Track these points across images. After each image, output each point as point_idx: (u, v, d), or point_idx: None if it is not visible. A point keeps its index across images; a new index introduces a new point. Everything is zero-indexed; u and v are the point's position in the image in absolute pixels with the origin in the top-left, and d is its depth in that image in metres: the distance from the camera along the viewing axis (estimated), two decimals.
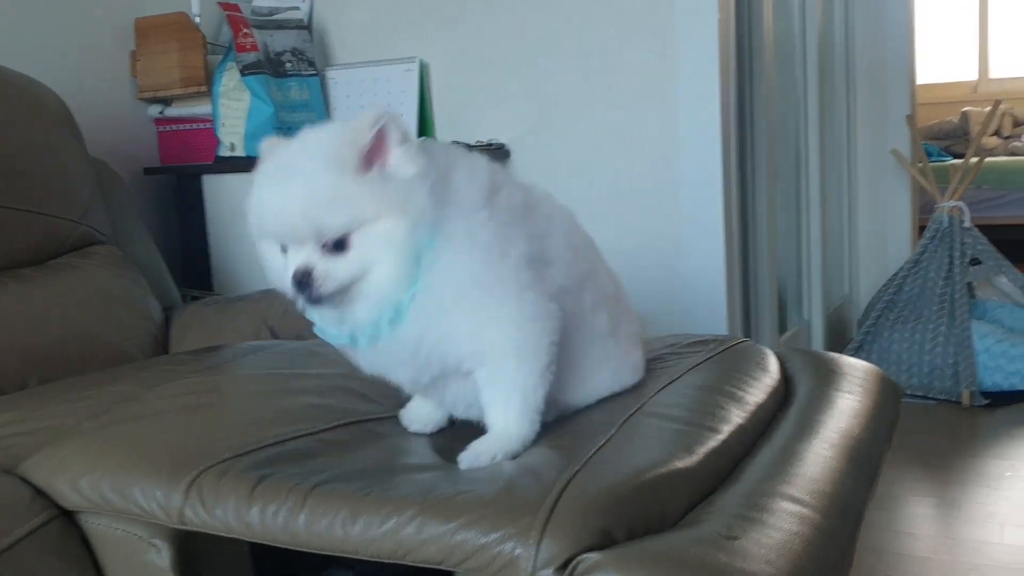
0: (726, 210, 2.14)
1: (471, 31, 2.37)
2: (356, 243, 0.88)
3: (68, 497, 0.88)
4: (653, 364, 1.16)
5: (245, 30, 2.25)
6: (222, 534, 0.83)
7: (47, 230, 1.70)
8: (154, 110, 2.38)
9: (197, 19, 2.35)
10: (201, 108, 2.32)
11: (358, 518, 0.78)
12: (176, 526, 0.84)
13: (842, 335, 3.22)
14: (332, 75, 2.44)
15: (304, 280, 0.88)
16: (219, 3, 2.27)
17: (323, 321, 0.96)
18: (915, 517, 2.00)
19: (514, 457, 0.90)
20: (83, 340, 1.59)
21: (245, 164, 2.24)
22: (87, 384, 1.24)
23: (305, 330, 1.68)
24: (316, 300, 0.89)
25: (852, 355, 2.79)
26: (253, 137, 2.23)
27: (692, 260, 2.18)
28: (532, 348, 0.92)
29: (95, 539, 0.89)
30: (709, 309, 2.20)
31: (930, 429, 2.53)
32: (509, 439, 0.92)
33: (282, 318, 1.70)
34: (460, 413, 1.01)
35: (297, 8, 2.44)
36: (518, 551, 0.71)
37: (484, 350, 0.92)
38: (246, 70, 2.22)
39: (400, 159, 0.90)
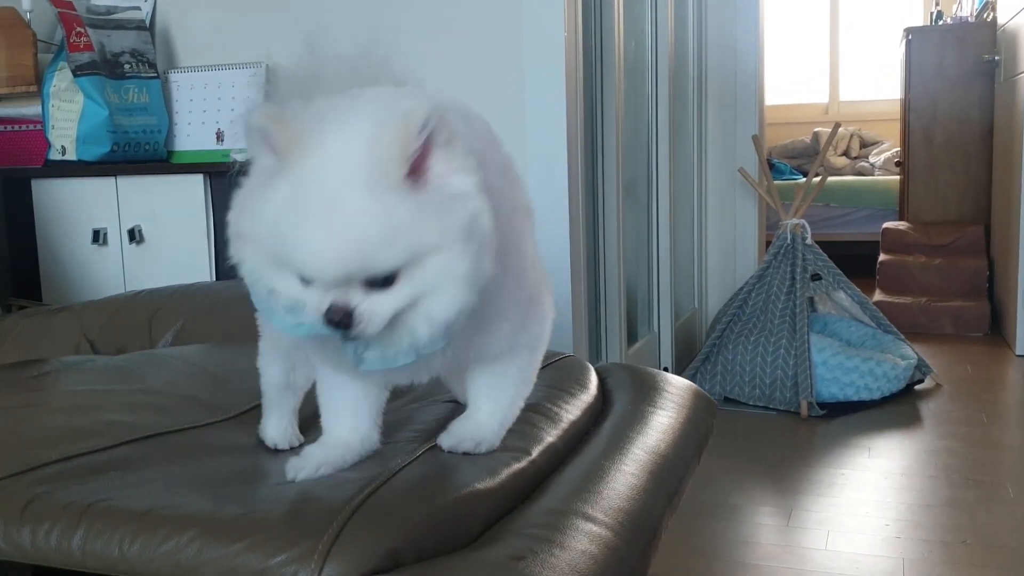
0: (572, 225, 2.16)
1: (319, 37, 2.33)
2: (407, 275, 0.73)
3: None
4: None
5: (79, 29, 2.15)
6: None
7: None
8: None
9: (28, 15, 2.23)
10: (30, 109, 2.21)
11: (137, 538, 0.74)
12: None
13: (691, 347, 3.31)
14: (174, 78, 2.36)
15: (344, 321, 0.73)
16: (50, 0, 2.16)
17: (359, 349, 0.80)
18: (753, 525, 2.06)
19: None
20: None
21: (77, 168, 2.15)
22: None
23: (126, 343, 1.62)
24: (356, 338, 0.75)
25: (698, 367, 2.90)
26: (85, 140, 2.14)
27: None
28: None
29: None
30: (556, 324, 2.22)
31: (769, 439, 2.62)
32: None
33: (102, 331, 1.62)
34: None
35: (138, 8, 2.35)
36: (300, 575, 0.69)
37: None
38: (79, 71, 2.12)
39: (451, 168, 0.74)
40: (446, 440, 0.93)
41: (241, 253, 0.77)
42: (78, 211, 2.16)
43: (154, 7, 2.40)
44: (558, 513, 0.82)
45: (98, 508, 0.77)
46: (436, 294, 0.74)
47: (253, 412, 1.09)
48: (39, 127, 2.20)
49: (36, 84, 2.17)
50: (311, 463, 0.87)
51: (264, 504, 0.77)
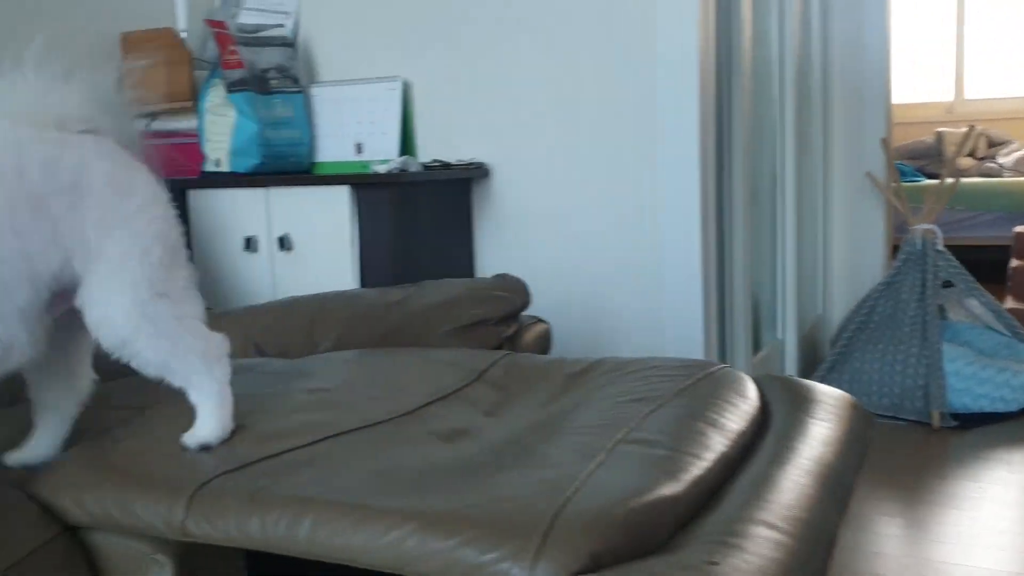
0: (703, 232, 2.18)
1: (454, 52, 2.41)
2: None
3: (73, 513, 0.90)
4: (637, 387, 1.19)
5: (231, 47, 2.27)
6: (223, 544, 0.85)
7: None
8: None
9: (184, 35, 2.37)
10: (186, 123, 2.34)
11: (360, 529, 0.80)
12: (179, 538, 0.86)
13: (814, 355, 3.27)
14: (316, 92, 2.47)
15: None
16: (206, 20, 2.29)
17: None
18: (884, 537, 2.04)
19: None
20: None
21: (230, 179, 2.27)
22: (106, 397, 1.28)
23: (289, 347, 1.71)
24: None
25: (824, 375, 2.87)
26: (238, 153, 2.26)
27: (670, 281, 2.22)
28: None
29: (99, 555, 0.91)
30: (685, 329, 2.24)
31: (900, 450, 2.58)
32: None
33: (267, 335, 1.72)
34: None
35: (282, 25, 2.47)
36: (514, 571, 0.74)
37: None
38: (232, 87, 2.24)
39: None
40: None
41: None
42: (231, 219, 2.28)
43: (296, 24, 2.52)
44: (740, 521, 0.86)
45: (321, 500, 0.84)
46: None
47: (429, 408, 1.15)
48: (195, 140, 2.34)
49: (192, 100, 2.31)
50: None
51: (472, 500, 0.83)
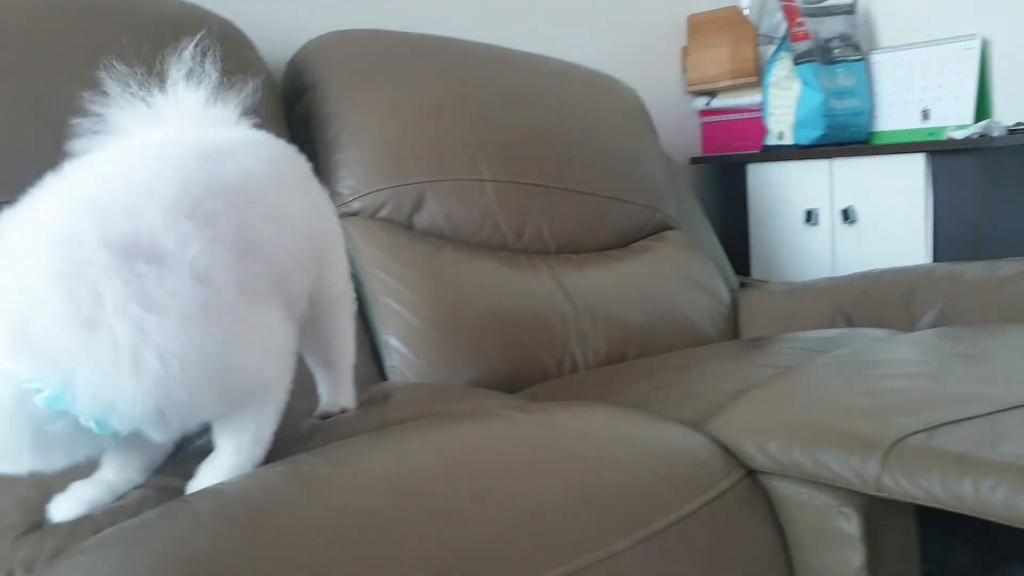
0: None
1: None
2: None
3: (756, 459, 0.94)
4: None
5: (798, 19, 2.26)
6: (920, 503, 0.82)
7: (630, 216, 1.86)
8: (700, 102, 2.48)
9: (747, 12, 2.41)
10: (747, 99, 2.38)
11: None
12: (870, 492, 0.85)
13: None
14: (877, 59, 2.36)
15: None
16: None
17: None
18: None
19: None
20: (666, 317, 1.71)
21: (791, 152, 2.27)
22: (721, 355, 1.38)
23: (883, 319, 1.65)
24: None
25: None
26: (802, 125, 2.24)
27: None
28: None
29: (779, 501, 0.93)
30: None
31: None
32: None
33: (855, 307, 1.68)
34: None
35: None
36: None
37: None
38: (799, 59, 2.23)
39: None
40: None
41: None
42: (792, 192, 2.27)
43: None
44: None
45: None
46: None
47: None
48: (754, 115, 2.37)
49: (756, 75, 2.33)
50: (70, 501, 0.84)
51: None
